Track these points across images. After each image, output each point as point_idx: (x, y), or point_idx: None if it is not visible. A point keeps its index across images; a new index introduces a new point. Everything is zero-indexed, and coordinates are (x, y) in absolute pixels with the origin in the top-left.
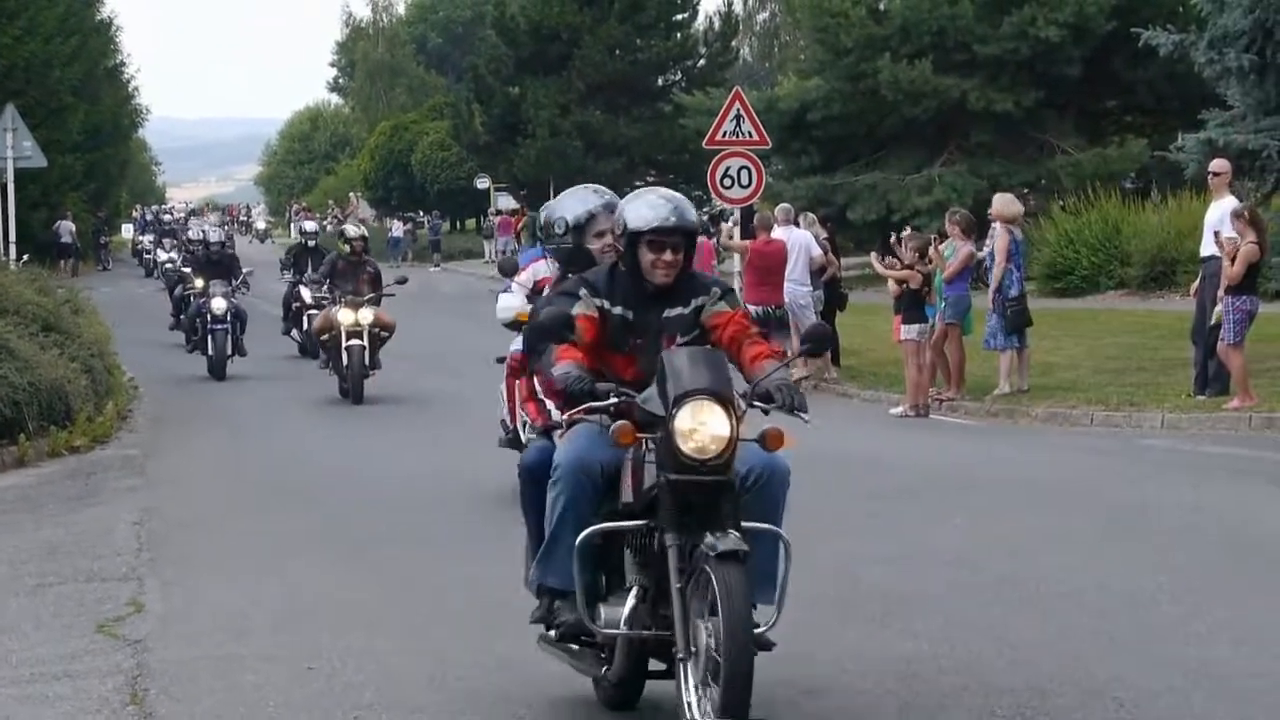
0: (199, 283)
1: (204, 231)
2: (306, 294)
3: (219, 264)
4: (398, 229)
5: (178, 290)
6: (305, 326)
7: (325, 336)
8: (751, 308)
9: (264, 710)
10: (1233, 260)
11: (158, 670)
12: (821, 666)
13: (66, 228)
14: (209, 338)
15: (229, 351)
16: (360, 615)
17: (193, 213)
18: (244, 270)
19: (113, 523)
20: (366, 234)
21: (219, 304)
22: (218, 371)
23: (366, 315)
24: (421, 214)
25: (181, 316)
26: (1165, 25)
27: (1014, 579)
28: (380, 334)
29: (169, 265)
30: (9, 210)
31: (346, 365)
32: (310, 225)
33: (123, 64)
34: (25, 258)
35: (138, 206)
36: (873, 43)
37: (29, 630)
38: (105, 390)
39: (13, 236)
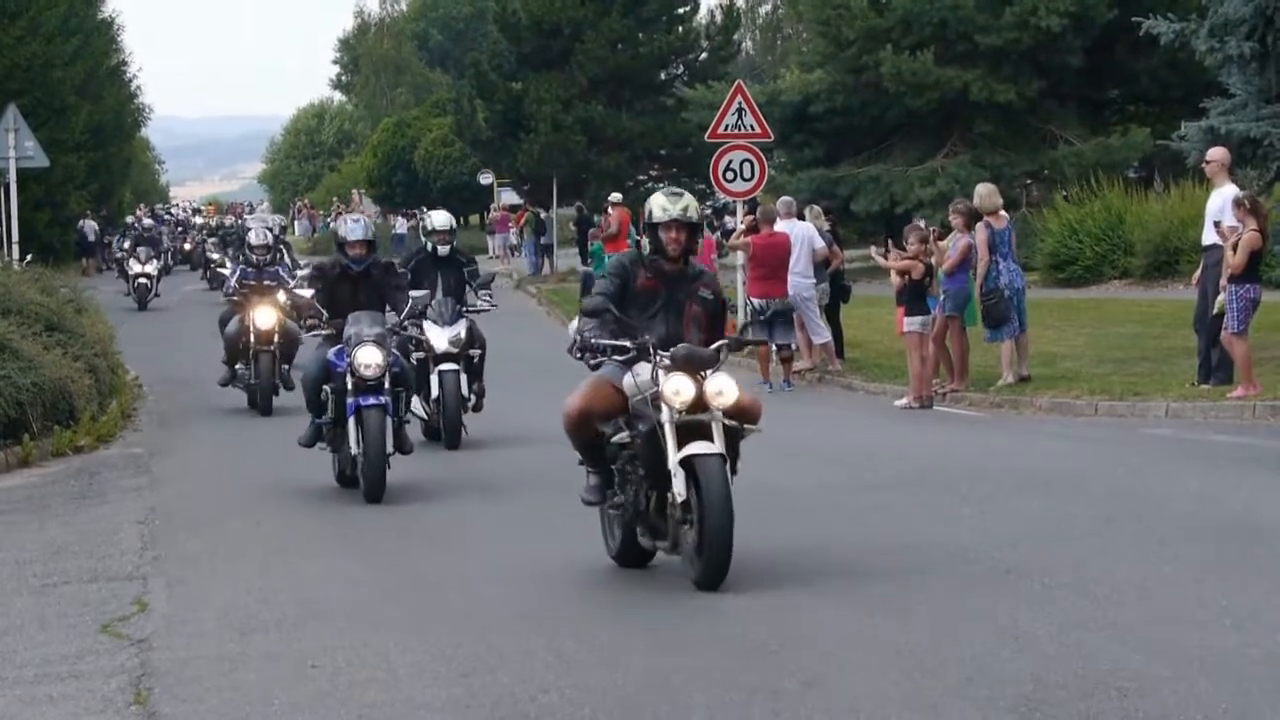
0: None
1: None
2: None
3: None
4: (401, 225)
5: (232, 325)
6: None
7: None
8: (755, 301)
9: (268, 709)
10: (1234, 249)
11: (162, 670)
12: (825, 657)
13: (90, 227)
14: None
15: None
16: (364, 613)
17: (245, 212)
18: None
19: (117, 522)
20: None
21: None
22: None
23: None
24: (425, 210)
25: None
26: (1166, 14)
27: (1018, 569)
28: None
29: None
30: (12, 210)
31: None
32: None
33: (125, 63)
34: (29, 257)
35: (140, 206)
36: (875, 34)
37: (33, 630)
38: (109, 389)
39: (15, 237)
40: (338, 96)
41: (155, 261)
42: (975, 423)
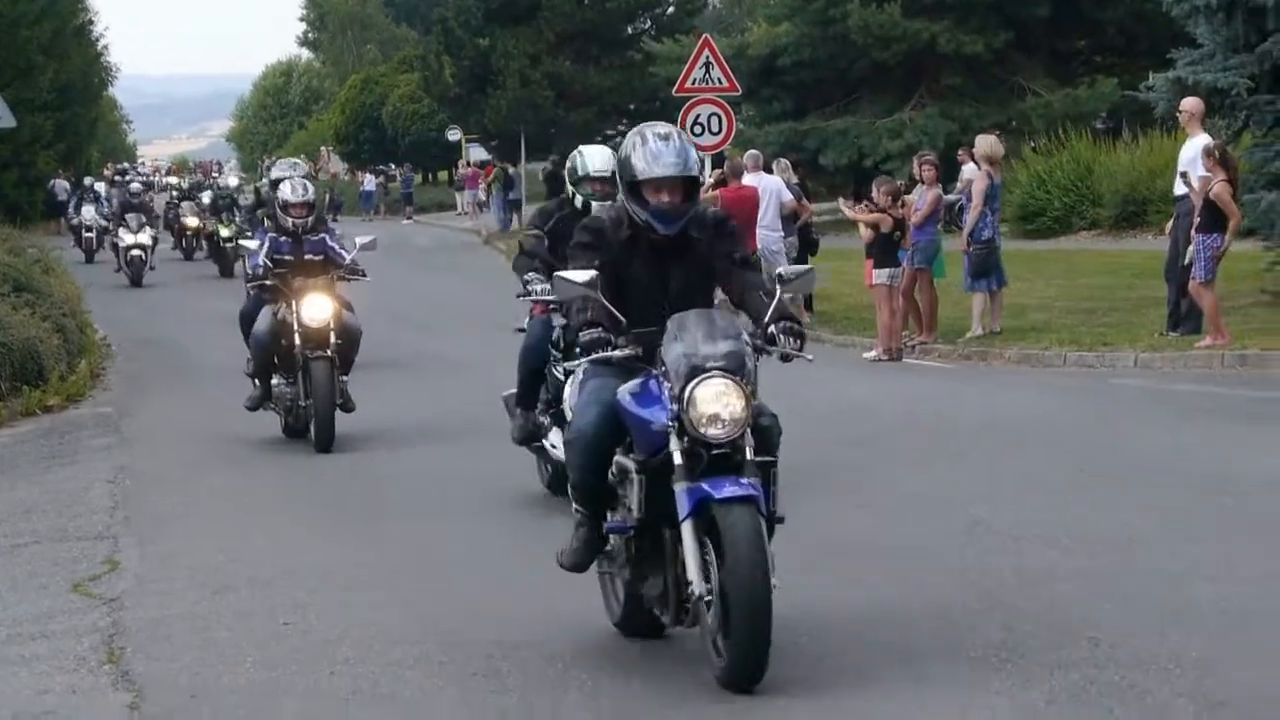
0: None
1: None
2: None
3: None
4: (369, 182)
5: (263, 322)
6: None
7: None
8: None
9: (241, 666)
10: (1204, 199)
11: (134, 628)
12: (794, 612)
13: (62, 186)
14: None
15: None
16: (336, 572)
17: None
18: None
19: (87, 481)
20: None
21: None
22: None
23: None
24: (393, 167)
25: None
26: None
27: (988, 522)
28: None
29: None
30: None
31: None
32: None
33: (91, 22)
34: None
35: (109, 165)
36: None
37: (3, 591)
38: (78, 349)
39: None
40: (305, 54)
41: (148, 230)
42: (944, 374)
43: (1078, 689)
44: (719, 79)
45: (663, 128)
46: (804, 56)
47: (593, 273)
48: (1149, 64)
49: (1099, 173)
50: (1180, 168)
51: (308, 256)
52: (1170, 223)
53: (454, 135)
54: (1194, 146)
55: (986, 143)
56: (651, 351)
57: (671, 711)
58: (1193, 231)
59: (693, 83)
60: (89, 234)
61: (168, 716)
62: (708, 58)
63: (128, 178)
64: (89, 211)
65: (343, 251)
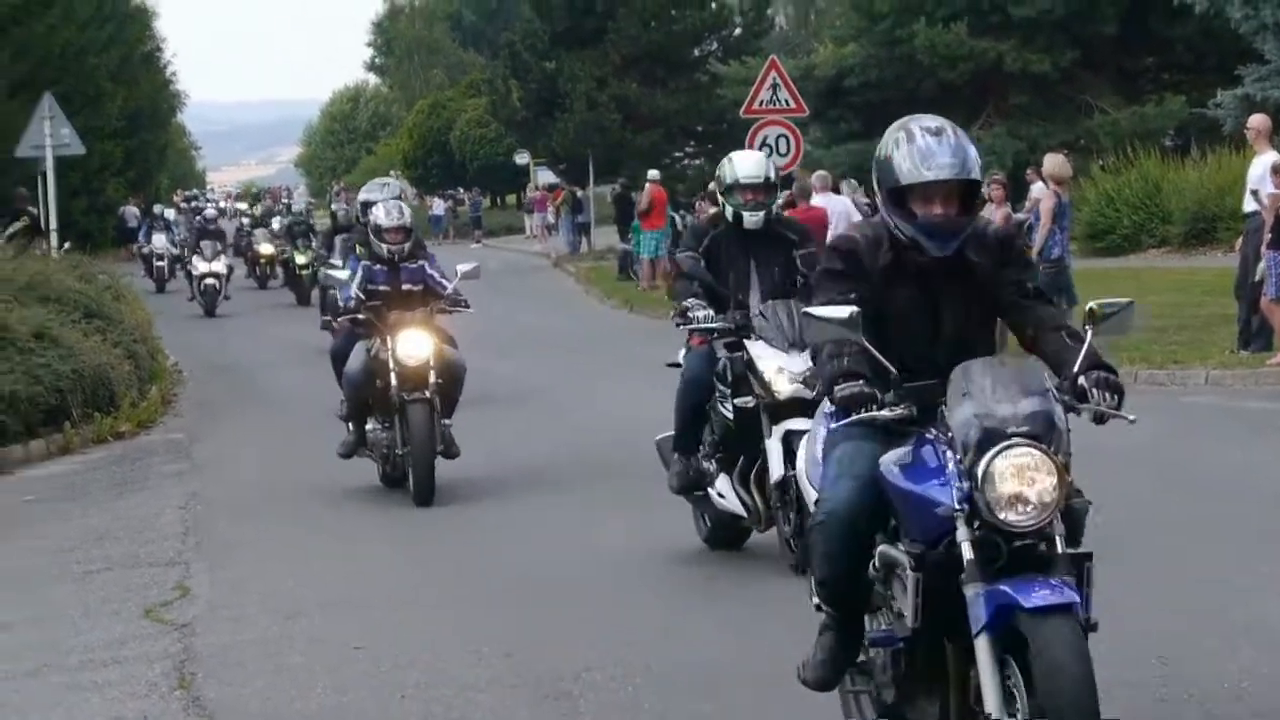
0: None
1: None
2: None
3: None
4: (439, 206)
5: (356, 360)
6: None
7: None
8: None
9: (312, 691)
10: (1276, 216)
11: (205, 654)
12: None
13: (131, 213)
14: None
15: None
16: (407, 597)
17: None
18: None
19: (159, 508)
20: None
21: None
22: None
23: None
24: (461, 191)
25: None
26: None
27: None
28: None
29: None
30: (50, 198)
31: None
32: None
33: (159, 49)
34: (67, 245)
35: (178, 192)
36: (908, 7)
37: (76, 617)
38: (149, 375)
39: (54, 224)
40: (372, 79)
41: (223, 258)
42: None
43: (1149, 708)
44: (786, 100)
45: (933, 121)
46: (871, 77)
47: (854, 308)
48: (1217, 81)
49: (1167, 190)
50: (1249, 185)
51: (405, 287)
52: (1240, 240)
53: (522, 159)
54: (1262, 163)
55: (1054, 162)
56: (927, 411)
57: None
58: (1263, 248)
59: (760, 104)
60: (160, 263)
61: None
62: (775, 79)
63: (196, 204)
64: (160, 240)
65: (443, 280)
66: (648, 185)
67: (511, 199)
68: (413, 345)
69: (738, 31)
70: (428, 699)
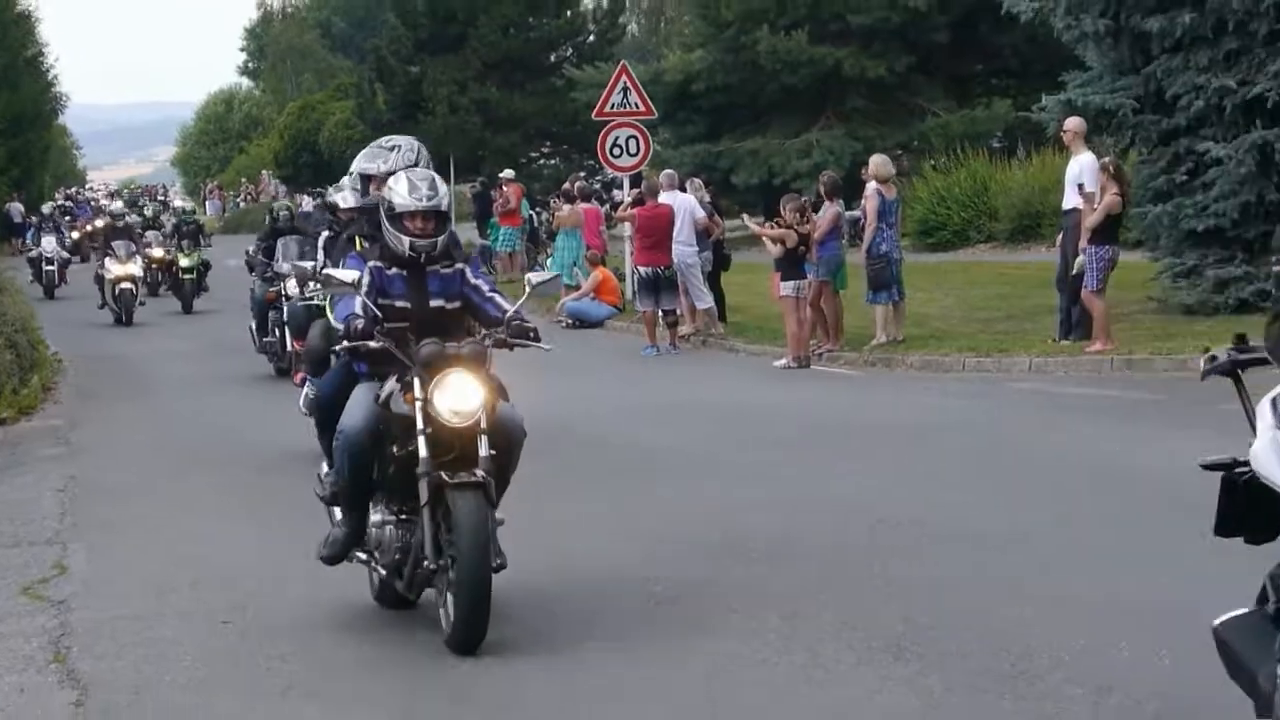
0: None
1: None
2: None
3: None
4: (307, 204)
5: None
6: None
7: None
8: (641, 269)
9: (181, 663)
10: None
11: (80, 629)
12: (710, 605)
13: (16, 209)
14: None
15: None
16: (275, 573)
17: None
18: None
19: (38, 490)
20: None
21: None
22: None
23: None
24: (329, 188)
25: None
26: None
27: (891, 519)
28: None
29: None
30: None
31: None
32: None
33: (41, 54)
34: None
35: (60, 190)
36: (752, 15)
37: None
38: (30, 365)
39: None
40: (245, 82)
41: (138, 261)
42: (851, 380)
43: (974, 676)
44: (636, 103)
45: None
46: (716, 82)
47: None
48: (1041, 86)
49: (994, 189)
50: (1067, 183)
51: (435, 303)
52: (1060, 235)
53: None
54: (1078, 163)
55: (877, 163)
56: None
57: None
58: (1082, 243)
59: (611, 107)
60: (50, 267)
61: (110, 712)
62: (625, 83)
63: (81, 198)
64: (49, 242)
65: (496, 295)
66: (510, 185)
67: None
68: (459, 395)
69: (591, 38)
70: (291, 671)
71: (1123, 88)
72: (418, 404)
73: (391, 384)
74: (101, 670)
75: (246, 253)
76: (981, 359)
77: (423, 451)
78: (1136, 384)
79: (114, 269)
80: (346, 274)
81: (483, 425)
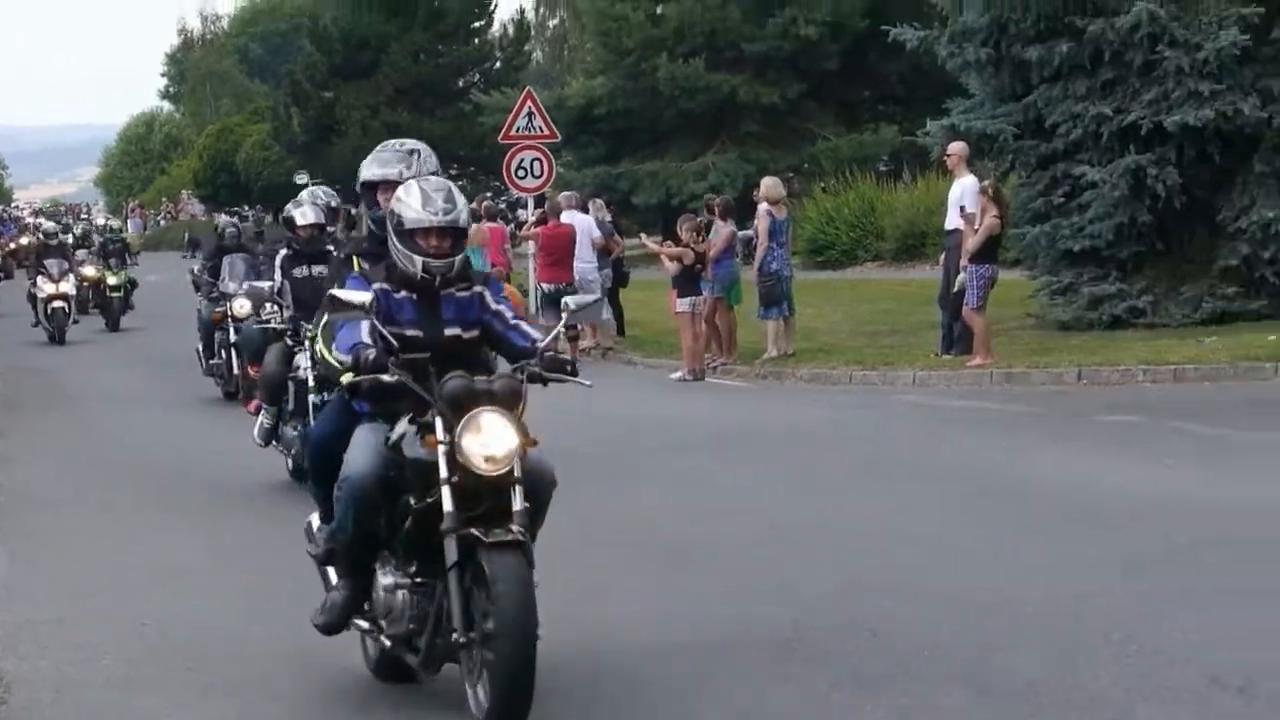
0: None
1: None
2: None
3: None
4: (224, 221)
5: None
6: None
7: None
8: (545, 286)
9: (99, 664)
10: (977, 232)
11: (1, 632)
12: (613, 610)
13: None
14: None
15: None
16: (194, 579)
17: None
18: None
19: None
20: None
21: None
22: None
23: None
24: (246, 208)
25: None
26: (912, 23)
27: (783, 524)
28: None
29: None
30: None
31: None
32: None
33: None
34: None
35: None
36: (651, 44)
37: None
38: None
39: None
40: (166, 106)
41: (70, 280)
42: (743, 392)
43: (858, 675)
44: (540, 127)
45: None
46: (617, 107)
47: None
48: (926, 112)
49: (881, 210)
50: (950, 205)
51: (449, 332)
52: (943, 254)
53: (301, 179)
54: (960, 186)
55: (768, 185)
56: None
57: None
58: (963, 262)
59: (516, 130)
60: (60, 305)
61: (34, 709)
62: (530, 108)
63: (6, 216)
64: (55, 270)
65: (519, 321)
66: None
67: None
68: (493, 438)
69: (498, 65)
70: (210, 670)
71: (1003, 114)
72: (441, 448)
73: (404, 425)
74: (24, 670)
75: (191, 272)
76: (868, 372)
77: (448, 505)
78: (1015, 397)
79: (46, 288)
80: (357, 295)
81: (516, 473)
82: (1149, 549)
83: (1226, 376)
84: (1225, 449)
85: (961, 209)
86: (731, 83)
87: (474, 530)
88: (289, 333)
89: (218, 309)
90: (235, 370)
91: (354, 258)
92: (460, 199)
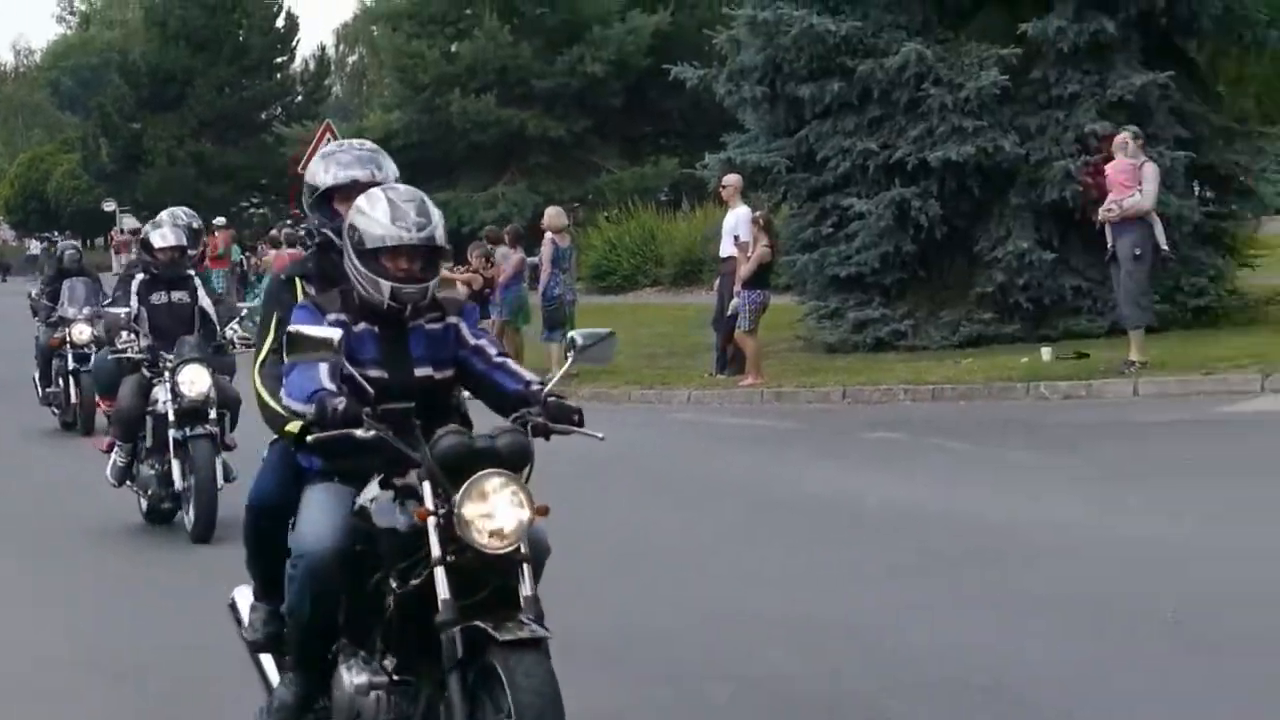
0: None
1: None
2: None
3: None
4: (35, 246)
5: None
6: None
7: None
8: None
9: None
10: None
11: None
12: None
13: None
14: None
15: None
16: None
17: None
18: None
19: None
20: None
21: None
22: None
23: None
24: (56, 234)
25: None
26: (692, 62)
27: (567, 534)
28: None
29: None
30: None
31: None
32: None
33: None
34: None
35: None
36: (445, 80)
37: None
38: None
39: None
40: None
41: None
42: None
43: (645, 689)
44: None
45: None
46: (413, 139)
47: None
48: (705, 145)
49: (661, 238)
50: (725, 234)
51: (421, 371)
52: (718, 280)
53: (109, 206)
54: (735, 216)
55: (550, 215)
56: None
57: None
58: (736, 288)
59: None
60: None
61: None
62: (329, 140)
63: None
64: None
65: (505, 360)
66: (220, 232)
67: (100, 241)
68: (501, 509)
69: (300, 99)
70: (6, 674)
71: (777, 148)
72: (433, 521)
73: (375, 488)
74: None
75: (29, 295)
76: (646, 391)
77: (443, 591)
78: (785, 414)
79: None
80: (322, 331)
81: (524, 551)
82: (908, 559)
83: (981, 396)
84: (980, 465)
85: (735, 238)
86: (521, 117)
87: (481, 623)
88: (146, 363)
89: (56, 334)
90: (74, 400)
91: (296, 280)
92: (435, 211)
